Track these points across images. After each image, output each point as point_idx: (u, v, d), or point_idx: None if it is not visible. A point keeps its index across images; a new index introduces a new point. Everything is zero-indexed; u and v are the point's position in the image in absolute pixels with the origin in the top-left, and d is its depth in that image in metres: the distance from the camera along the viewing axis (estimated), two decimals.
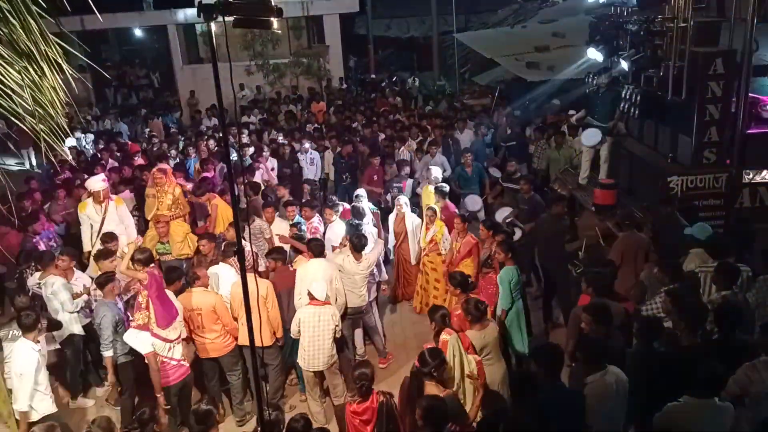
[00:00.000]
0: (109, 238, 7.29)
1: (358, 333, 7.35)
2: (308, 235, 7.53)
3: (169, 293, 5.85)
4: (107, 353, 5.95)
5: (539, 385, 4.31)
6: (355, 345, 7.28)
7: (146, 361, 5.73)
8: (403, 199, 8.43)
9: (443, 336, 5.16)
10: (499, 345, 5.58)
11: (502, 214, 8.63)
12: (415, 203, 9.33)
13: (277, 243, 7.57)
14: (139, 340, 5.73)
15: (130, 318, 6.14)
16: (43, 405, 5.38)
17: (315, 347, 5.90)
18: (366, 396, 4.59)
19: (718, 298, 5.15)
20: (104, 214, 7.91)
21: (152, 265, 6.04)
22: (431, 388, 4.61)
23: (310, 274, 6.28)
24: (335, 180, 11.30)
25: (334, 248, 7.38)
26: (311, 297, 5.95)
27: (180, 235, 7.98)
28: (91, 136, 15.01)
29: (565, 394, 4.35)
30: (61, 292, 6.38)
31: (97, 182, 7.99)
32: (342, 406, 4.75)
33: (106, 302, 6.04)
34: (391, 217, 8.60)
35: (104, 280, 6.13)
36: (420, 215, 8.48)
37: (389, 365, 7.33)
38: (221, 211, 8.34)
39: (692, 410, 3.96)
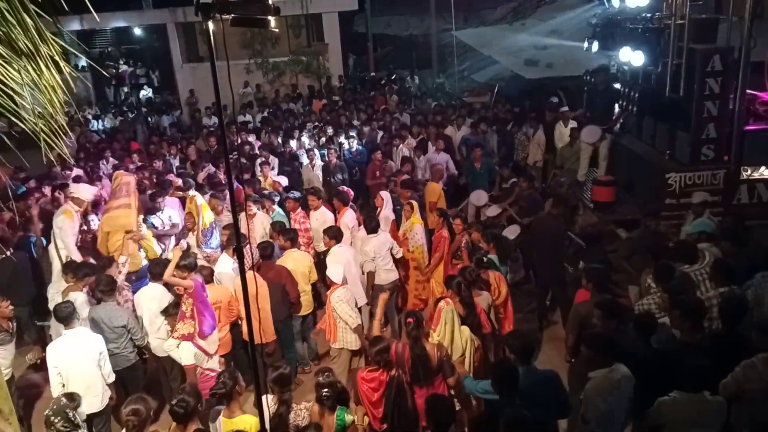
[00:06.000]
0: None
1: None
2: (296, 225, 7.77)
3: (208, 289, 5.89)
4: (145, 341, 5.96)
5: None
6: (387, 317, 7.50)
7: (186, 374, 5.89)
8: (385, 195, 8.49)
9: (440, 303, 5.45)
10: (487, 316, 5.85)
11: (494, 211, 8.69)
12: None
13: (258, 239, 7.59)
14: (181, 350, 5.76)
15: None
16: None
17: (347, 327, 6.14)
18: (385, 368, 4.85)
19: (716, 295, 5.16)
20: (80, 224, 7.72)
21: (195, 272, 5.94)
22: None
23: (342, 257, 6.53)
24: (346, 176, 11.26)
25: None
26: (331, 283, 6.12)
27: (150, 238, 7.79)
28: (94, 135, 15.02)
29: (539, 376, 4.56)
30: (83, 309, 6.03)
31: (89, 192, 7.81)
32: (355, 371, 5.17)
33: (113, 304, 5.85)
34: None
35: (112, 284, 5.92)
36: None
37: None
38: (204, 209, 8.26)
39: (682, 405, 3.98)
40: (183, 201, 8.79)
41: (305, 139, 11.99)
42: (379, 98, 17.59)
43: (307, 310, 6.98)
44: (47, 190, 9.42)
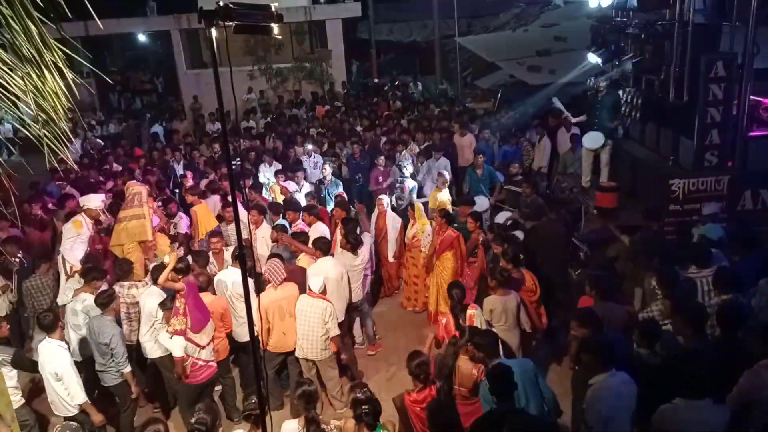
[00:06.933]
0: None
1: (357, 324, 7.64)
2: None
3: (203, 297, 6.00)
4: (127, 369, 5.89)
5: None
6: (353, 335, 7.60)
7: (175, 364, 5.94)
8: (385, 199, 8.62)
9: (469, 311, 5.51)
10: (516, 315, 5.86)
11: (502, 217, 8.67)
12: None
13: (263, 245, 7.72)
14: (173, 343, 5.88)
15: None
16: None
17: (307, 336, 6.15)
18: (426, 384, 4.76)
19: (719, 302, 5.14)
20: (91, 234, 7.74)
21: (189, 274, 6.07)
22: (463, 361, 4.96)
23: (322, 270, 6.52)
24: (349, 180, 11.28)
25: None
26: (309, 289, 6.21)
27: (166, 245, 7.80)
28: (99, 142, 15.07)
29: (513, 363, 4.68)
30: (91, 311, 6.07)
31: (96, 200, 7.85)
32: (400, 397, 4.96)
33: (108, 319, 5.84)
34: (373, 216, 8.81)
35: (109, 298, 5.90)
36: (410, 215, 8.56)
37: (377, 353, 7.67)
38: (201, 218, 8.28)
39: (684, 412, 3.95)
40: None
41: (309, 146, 11.99)
42: (383, 104, 17.61)
43: None
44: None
